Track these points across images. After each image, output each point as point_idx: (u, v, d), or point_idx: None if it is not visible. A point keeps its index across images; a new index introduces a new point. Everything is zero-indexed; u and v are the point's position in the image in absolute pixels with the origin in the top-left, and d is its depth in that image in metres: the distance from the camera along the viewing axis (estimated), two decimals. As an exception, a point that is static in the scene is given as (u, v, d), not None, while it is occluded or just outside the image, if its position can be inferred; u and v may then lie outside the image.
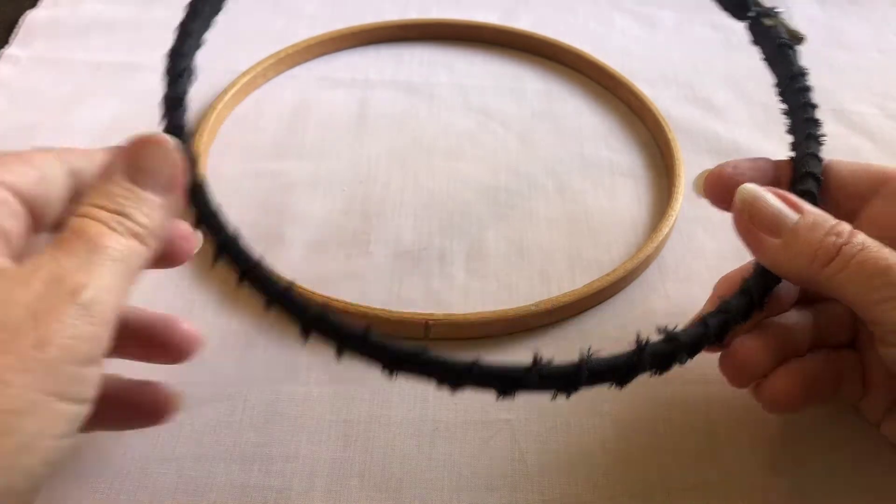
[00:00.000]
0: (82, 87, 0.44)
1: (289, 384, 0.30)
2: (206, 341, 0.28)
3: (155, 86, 0.46)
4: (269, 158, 0.40)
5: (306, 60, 0.46)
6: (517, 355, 0.32)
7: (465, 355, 0.23)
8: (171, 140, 0.23)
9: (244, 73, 0.43)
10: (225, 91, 0.42)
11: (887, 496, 0.28)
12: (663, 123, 0.41)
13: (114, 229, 0.21)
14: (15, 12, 0.48)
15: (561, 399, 0.30)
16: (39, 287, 0.19)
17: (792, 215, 0.25)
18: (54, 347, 0.18)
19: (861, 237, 0.24)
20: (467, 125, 0.43)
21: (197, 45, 0.29)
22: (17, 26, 0.47)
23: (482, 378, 0.24)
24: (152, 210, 0.22)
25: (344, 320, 0.23)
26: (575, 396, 0.30)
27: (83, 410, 0.20)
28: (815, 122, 0.30)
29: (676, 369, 0.31)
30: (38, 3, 0.49)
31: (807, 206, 0.26)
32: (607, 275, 0.33)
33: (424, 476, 0.28)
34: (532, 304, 0.32)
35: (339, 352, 0.23)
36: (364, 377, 0.31)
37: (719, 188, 0.28)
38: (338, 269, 0.35)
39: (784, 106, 0.31)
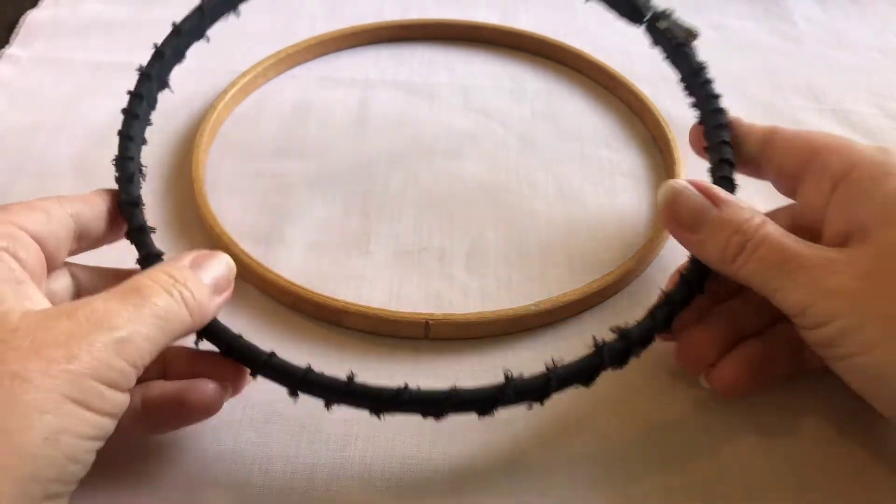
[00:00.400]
0: (82, 87, 0.44)
1: (289, 384, 0.30)
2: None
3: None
4: (269, 158, 0.40)
5: (306, 60, 0.46)
6: (517, 355, 0.32)
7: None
8: (229, 259, 0.27)
9: (244, 73, 0.43)
10: (225, 91, 0.42)
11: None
12: (663, 123, 0.41)
13: (166, 291, 0.24)
14: (15, 12, 0.48)
15: (561, 399, 0.30)
16: (82, 318, 0.22)
17: (711, 210, 0.27)
18: (81, 363, 0.21)
19: (764, 231, 0.26)
20: (467, 125, 0.43)
21: (140, 145, 0.31)
22: (17, 26, 0.47)
23: (462, 404, 0.26)
24: (203, 291, 0.25)
25: (325, 378, 0.26)
26: (575, 396, 0.30)
27: (106, 424, 0.22)
28: (722, 112, 0.32)
29: (675, 370, 0.31)
30: (39, 4, 0.49)
31: (725, 198, 0.28)
32: (607, 275, 0.33)
33: (424, 476, 0.28)
34: (532, 304, 0.32)
35: (327, 404, 0.26)
36: (364, 377, 0.31)
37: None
38: (338, 268, 0.35)
39: (692, 99, 0.34)
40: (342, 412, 0.29)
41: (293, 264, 0.35)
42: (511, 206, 0.38)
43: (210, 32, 0.49)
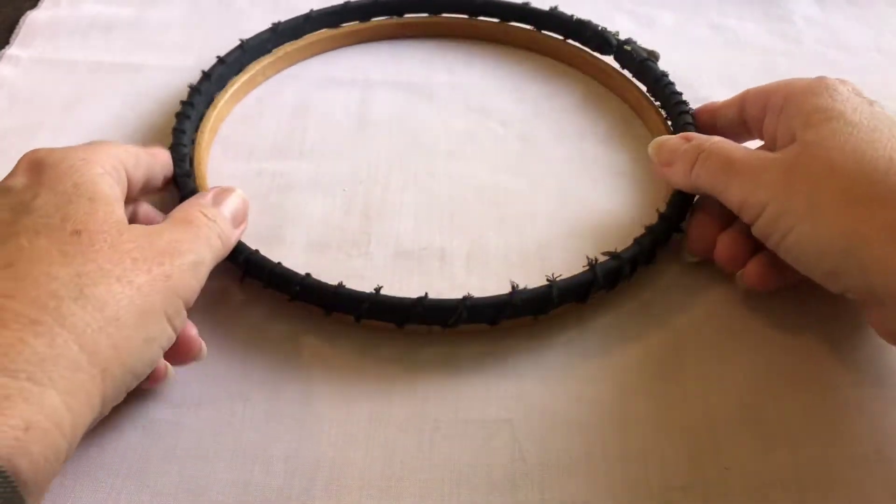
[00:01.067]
0: (82, 87, 0.44)
1: (289, 384, 0.30)
2: (210, 340, 0.29)
3: (155, 86, 0.46)
4: (269, 158, 0.40)
5: (306, 58, 0.46)
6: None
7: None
8: (243, 194, 0.32)
9: (244, 71, 0.43)
10: (225, 89, 0.42)
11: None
12: (663, 123, 0.41)
13: (209, 224, 0.29)
14: (15, 13, 0.49)
15: (561, 399, 0.30)
16: (162, 241, 0.26)
17: (683, 144, 0.34)
18: (174, 281, 0.25)
19: (713, 143, 0.33)
20: (467, 125, 0.43)
21: (190, 138, 0.38)
22: (17, 27, 0.47)
23: (473, 312, 0.30)
24: (227, 224, 0.30)
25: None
26: (575, 396, 0.30)
27: (173, 339, 0.26)
28: (685, 104, 0.39)
29: (676, 371, 0.31)
30: (39, 4, 0.49)
31: (695, 134, 0.35)
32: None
33: (424, 476, 0.28)
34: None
35: (357, 318, 0.31)
36: (364, 377, 0.31)
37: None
38: (338, 269, 0.35)
39: (658, 102, 0.41)
40: (342, 412, 0.29)
41: (293, 264, 0.34)
42: (511, 206, 0.38)
43: (208, 27, 0.49)
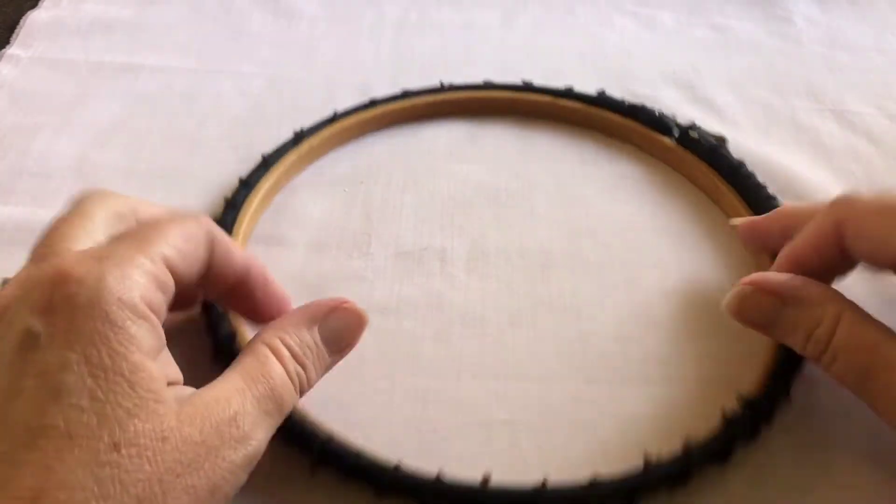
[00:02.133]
0: (83, 87, 0.44)
1: (289, 384, 0.30)
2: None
3: (154, 86, 0.46)
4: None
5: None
6: None
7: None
8: (365, 316, 0.26)
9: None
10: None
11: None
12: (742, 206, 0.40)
13: (293, 383, 0.24)
14: (16, 13, 0.49)
15: (561, 399, 0.30)
16: (214, 427, 0.21)
17: (780, 308, 0.27)
18: (220, 491, 0.21)
19: (840, 335, 0.25)
20: (467, 124, 0.43)
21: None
22: (18, 27, 0.47)
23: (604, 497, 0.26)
24: (322, 367, 0.26)
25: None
26: (574, 395, 0.30)
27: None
28: (773, 198, 0.36)
29: (675, 370, 0.31)
30: (39, 4, 0.49)
31: (791, 294, 0.27)
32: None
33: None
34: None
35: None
36: (365, 378, 0.31)
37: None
38: (338, 269, 0.35)
39: (735, 191, 0.37)
40: (342, 412, 0.29)
41: (294, 265, 0.35)
42: (512, 206, 0.38)
43: (208, 27, 0.49)
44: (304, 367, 0.24)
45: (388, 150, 0.41)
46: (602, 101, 0.41)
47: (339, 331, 0.26)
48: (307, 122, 0.40)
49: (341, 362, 0.31)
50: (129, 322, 0.21)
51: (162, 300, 0.23)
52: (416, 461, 0.28)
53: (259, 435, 0.22)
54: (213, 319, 0.30)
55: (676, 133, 0.40)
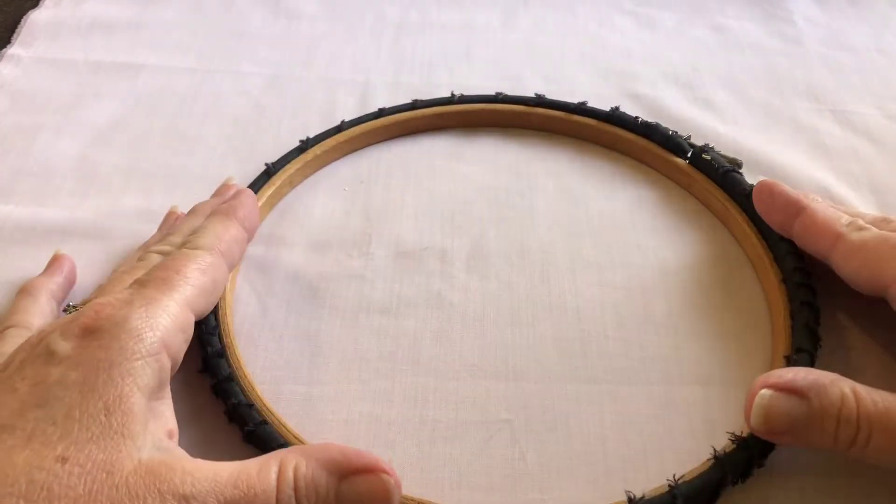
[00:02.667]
0: (83, 87, 0.44)
1: (289, 384, 0.30)
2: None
3: (155, 86, 0.46)
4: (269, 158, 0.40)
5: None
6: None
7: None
8: (394, 494, 0.24)
9: None
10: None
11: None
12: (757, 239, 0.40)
13: None
14: (17, 12, 0.49)
15: (561, 399, 0.30)
16: (156, 491, 0.21)
17: (802, 407, 0.26)
18: None
19: (865, 418, 0.25)
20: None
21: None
22: (18, 26, 0.47)
23: None
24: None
25: None
26: (573, 396, 0.30)
27: None
28: (800, 260, 0.33)
29: (675, 370, 0.31)
30: (40, 4, 0.49)
31: (806, 386, 0.26)
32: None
33: (424, 476, 0.28)
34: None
35: None
36: (365, 377, 0.31)
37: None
38: (338, 269, 0.35)
39: (747, 217, 0.36)
40: (342, 412, 0.29)
41: (294, 264, 0.35)
42: (511, 206, 0.38)
43: (208, 27, 0.49)
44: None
45: (389, 151, 0.41)
46: (615, 118, 0.40)
47: (361, 497, 0.23)
48: (307, 121, 0.40)
49: (342, 362, 0.31)
50: (137, 356, 0.23)
51: (182, 341, 0.25)
52: (416, 461, 0.28)
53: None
54: (203, 333, 0.30)
55: (689, 154, 0.39)
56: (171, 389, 0.26)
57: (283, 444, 0.27)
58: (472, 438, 0.29)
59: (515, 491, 0.28)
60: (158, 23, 0.49)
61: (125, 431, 0.21)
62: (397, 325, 0.33)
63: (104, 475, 0.20)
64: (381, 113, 0.40)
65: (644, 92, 0.45)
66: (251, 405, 0.28)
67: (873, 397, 0.25)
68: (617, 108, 0.41)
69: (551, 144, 0.42)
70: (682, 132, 0.41)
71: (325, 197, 0.38)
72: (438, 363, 0.31)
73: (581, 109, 0.41)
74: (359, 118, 0.40)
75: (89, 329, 0.23)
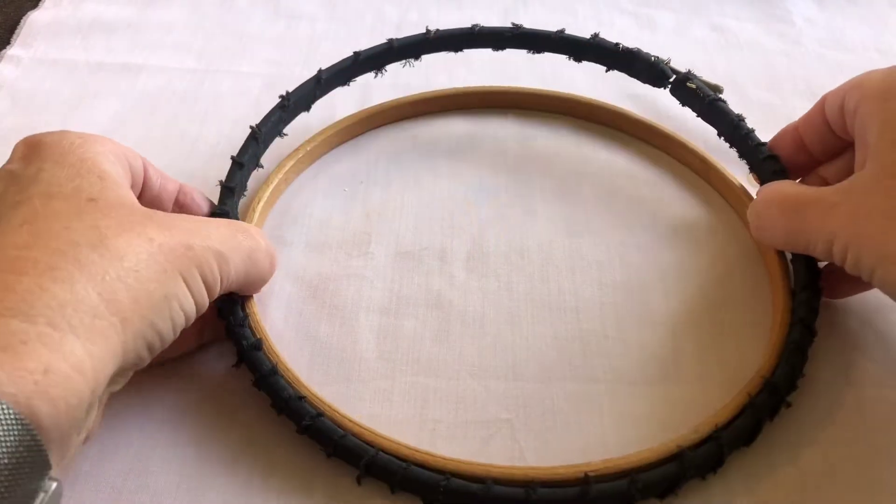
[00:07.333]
0: (83, 87, 0.44)
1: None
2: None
3: (155, 86, 0.46)
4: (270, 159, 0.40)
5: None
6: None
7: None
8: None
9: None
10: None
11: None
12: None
13: (249, 233, 0.29)
14: (17, 13, 0.49)
15: (560, 398, 0.30)
16: (201, 224, 0.26)
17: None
18: (194, 253, 0.25)
19: (763, 188, 0.31)
20: (467, 125, 0.43)
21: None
22: (18, 27, 0.47)
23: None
24: (273, 250, 0.30)
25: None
26: (573, 395, 0.30)
27: (192, 312, 0.25)
28: (775, 158, 0.34)
29: (675, 370, 0.31)
30: (40, 4, 0.49)
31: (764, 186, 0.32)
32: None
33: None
34: (691, 432, 0.28)
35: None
36: (365, 377, 0.31)
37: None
38: (338, 268, 0.35)
39: (735, 150, 0.36)
40: (343, 412, 0.29)
41: (294, 264, 0.35)
42: (511, 206, 0.38)
43: (208, 27, 0.49)
44: (266, 242, 0.29)
45: (389, 150, 0.41)
46: (595, 45, 0.39)
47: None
48: (307, 121, 0.40)
49: (341, 362, 0.31)
50: (93, 146, 0.26)
51: (121, 164, 0.27)
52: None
53: (232, 254, 0.27)
54: (233, 326, 0.29)
55: (672, 78, 0.38)
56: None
57: (343, 434, 0.27)
58: (472, 438, 0.29)
59: (515, 490, 0.28)
60: (158, 23, 0.49)
61: (117, 179, 0.26)
62: (397, 325, 0.33)
63: (131, 202, 0.26)
64: (357, 57, 0.38)
65: (643, 92, 0.45)
66: (302, 397, 0.28)
67: (781, 186, 0.31)
68: (596, 35, 0.39)
69: (552, 144, 0.42)
70: (682, 132, 0.41)
71: (325, 197, 0.38)
72: (438, 363, 0.31)
73: (560, 37, 0.39)
74: (335, 65, 0.39)
75: (33, 145, 0.26)
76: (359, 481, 0.27)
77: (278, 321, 0.32)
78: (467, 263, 0.35)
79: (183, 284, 0.24)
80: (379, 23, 0.50)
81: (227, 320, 0.29)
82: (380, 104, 0.42)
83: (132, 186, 0.28)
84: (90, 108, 0.42)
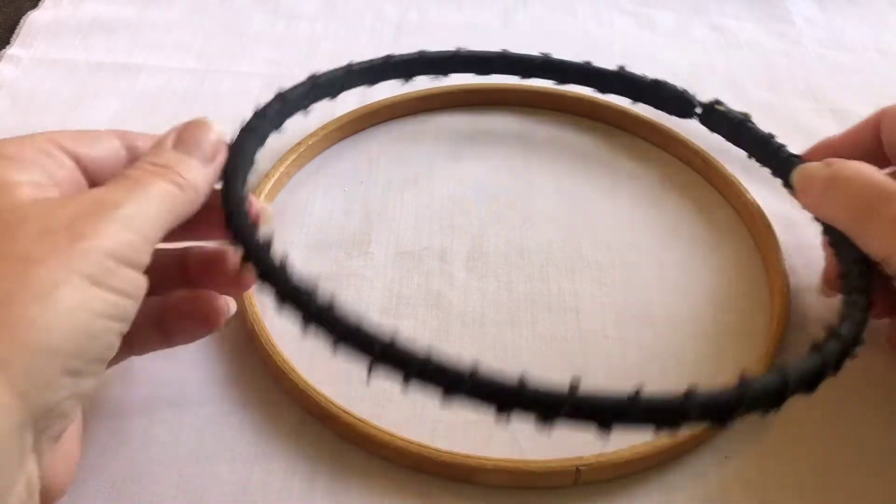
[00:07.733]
0: (83, 87, 0.44)
1: (289, 384, 0.30)
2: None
3: (154, 86, 0.46)
4: (269, 159, 0.40)
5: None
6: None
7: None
8: (215, 122, 0.26)
9: None
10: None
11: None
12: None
13: (158, 175, 0.24)
14: (16, 13, 0.49)
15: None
16: (79, 205, 0.22)
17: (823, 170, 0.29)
18: (88, 240, 0.21)
19: (850, 166, 0.28)
20: (467, 126, 0.43)
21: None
22: (18, 27, 0.47)
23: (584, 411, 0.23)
24: (192, 169, 0.25)
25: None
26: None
27: (123, 304, 0.21)
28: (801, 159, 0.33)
29: (673, 367, 0.31)
30: (40, 4, 0.49)
31: (839, 160, 0.29)
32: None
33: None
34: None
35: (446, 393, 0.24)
36: (365, 377, 0.31)
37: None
38: (338, 268, 0.35)
39: (768, 168, 0.35)
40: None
41: (294, 264, 0.35)
42: (511, 206, 0.38)
43: (208, 27, 0.49)
44: (166, 167, 0.24)
45: (389, 150, 0.41)
46: (622, 77, 0.39)
47: (191, 139, 0.26)
48: (307, 121, 0.40)
49: (341, 362, 0.31)
50: None
51: (32, 163, 0.23)
52: (416, 461, 0.28)
53: (143, 205, 0.23)
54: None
55: (700, 110, 0.38)
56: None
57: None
58: (472, 438, 0.29)
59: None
60: (158, 23, 0.49)
61: (6, 185, 0.22)
62: (397, 325, 0.33)
63: (12, 205, 0.21)
64: (350, 68, 0.38)
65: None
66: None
67: (871, 171, 0.27)
68: (623, 68, 0.39)
69: (551, 144, 0.42)
70: (682, 132, 0.41)
71: (324, 197, 0.38)
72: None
73: (587, 69, 0.39)
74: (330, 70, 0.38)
75: None
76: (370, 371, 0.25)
77: (278, 320, 0.32)
78: (467, 263, 0.35)
79: (89, 286, 0.21)
80: (379, 23, 0.50)
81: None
82: (381, 100, 0.42)
83: (89, 173, 0.25)
84: (90, 107, 0.42)
